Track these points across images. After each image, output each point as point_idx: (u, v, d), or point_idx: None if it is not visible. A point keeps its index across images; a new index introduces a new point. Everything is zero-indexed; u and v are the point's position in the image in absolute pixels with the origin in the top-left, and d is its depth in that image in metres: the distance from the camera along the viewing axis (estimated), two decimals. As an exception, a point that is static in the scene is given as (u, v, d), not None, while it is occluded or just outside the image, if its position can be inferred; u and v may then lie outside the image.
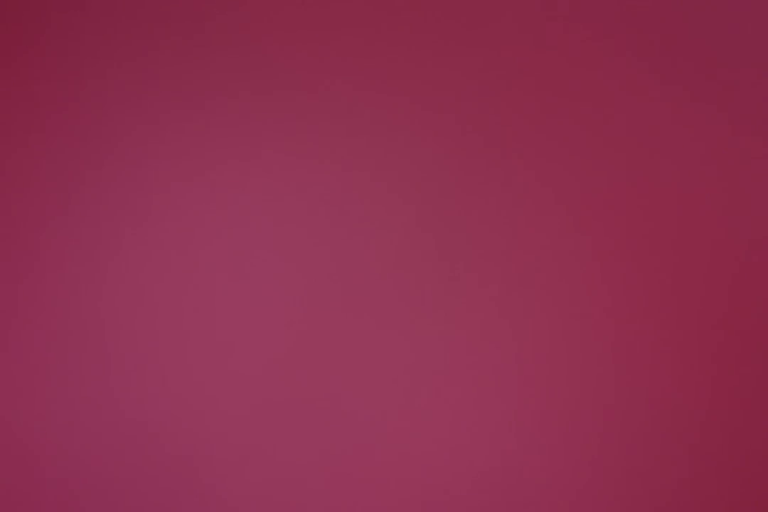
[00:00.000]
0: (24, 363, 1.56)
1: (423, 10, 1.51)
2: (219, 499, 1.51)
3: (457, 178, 1.49)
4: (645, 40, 1.46)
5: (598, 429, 1.43)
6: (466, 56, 1.50)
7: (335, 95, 1.52)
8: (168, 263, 1.54)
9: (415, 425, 1.47)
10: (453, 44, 1.50)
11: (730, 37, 1.44)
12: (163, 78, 1.56)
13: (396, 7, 1.52)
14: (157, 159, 1.56)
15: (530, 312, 1.46)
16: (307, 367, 1.50)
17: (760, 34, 1.44)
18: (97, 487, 1.53)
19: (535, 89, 1.48)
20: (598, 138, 1.46)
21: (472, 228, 1.48)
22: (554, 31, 1.48)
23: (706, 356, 1.42)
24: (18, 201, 1.58)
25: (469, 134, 1.49)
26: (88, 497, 1.53)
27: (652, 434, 1.42)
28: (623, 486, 1.43)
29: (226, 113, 1.54)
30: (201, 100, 1.55)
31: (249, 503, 1.50)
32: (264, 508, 1.49)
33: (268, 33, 1.55)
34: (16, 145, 1.59)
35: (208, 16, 1.56)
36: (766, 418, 1.40)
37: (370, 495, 1.47)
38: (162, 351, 1.53)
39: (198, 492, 1.51)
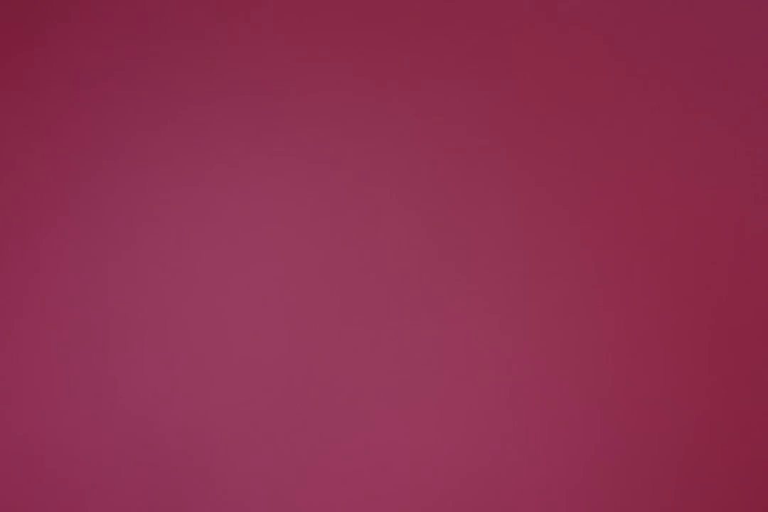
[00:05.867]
0: (29, 363, 1.56)
1: (427, 12, 1.52)
2: (223, 497, 1.51)
3: (457, 180, 1.49)
4: (642, 40, 1.46)
5: (594, 430, 1.44)
6: (468, 58, 1.50)
7: (338, 98, 1.52)
8: (170, 263, 1.54)
9: (416, 424, 1.47)
10: (458, 48, 1.50)
11: (727, 37, 1.45)
12: (164, 81, 1.56)
13: (398, 9, 1.52)
14: (159, 160, 1.56)
15: (529, 314, 1.46)
16: (309, 367, 1.50)
17: (757, 34, 1.44)
18: (101, 485, 1.53)
19: (536, 93, 1.48)
20: (599, 141, 1.46)
21: (472, 230, 1.48)
22: (555, 33, 1.48)
23: (704, 357, 1.42)
24: (21, 202, 1.58)
25: (471, 137, 1.49)
26: (92, 495, 1.53)
27: (650, 431, 1.43)
28: (620, 483, 1.43)
29: (229, 116, 1.54)
30: (203, 102, 1.55)
31: (252, 500, 1.50)
32: (267, 505, 1.50)
33: (270, 36, 1.54)
34: (20, 146, 1.59)
35: (210, 18, 1.56)
36: (765, 416, 1.40)
37: (370, 493, 1.48)
38: (165, 349, 1.53)
39: (202, 489, 1.51)
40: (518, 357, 1.45)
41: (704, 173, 1.44)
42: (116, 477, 1.53)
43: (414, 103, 1.50)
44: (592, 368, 1.44)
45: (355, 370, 1.49)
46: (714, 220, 1.43)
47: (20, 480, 1.55)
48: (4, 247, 1.58)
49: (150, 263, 1.54)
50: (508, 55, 1.49)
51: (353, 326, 1.49)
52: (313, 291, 1.51)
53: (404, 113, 1.51)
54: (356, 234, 1.50)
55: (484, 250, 1.47)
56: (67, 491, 1.54)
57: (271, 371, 1.51)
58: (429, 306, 1.48)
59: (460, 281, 1.47)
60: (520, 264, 1.46)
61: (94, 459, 1.53)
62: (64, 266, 1.56)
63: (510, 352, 1.45)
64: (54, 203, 1.57)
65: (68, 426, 1.54)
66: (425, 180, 1.49)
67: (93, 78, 1.58)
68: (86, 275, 1.56)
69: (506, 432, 1.45)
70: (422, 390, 1.47)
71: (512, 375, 1.45)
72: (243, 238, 1.53)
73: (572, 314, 1.44)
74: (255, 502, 1.50)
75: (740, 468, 1.41)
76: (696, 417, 1.42)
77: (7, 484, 1.55)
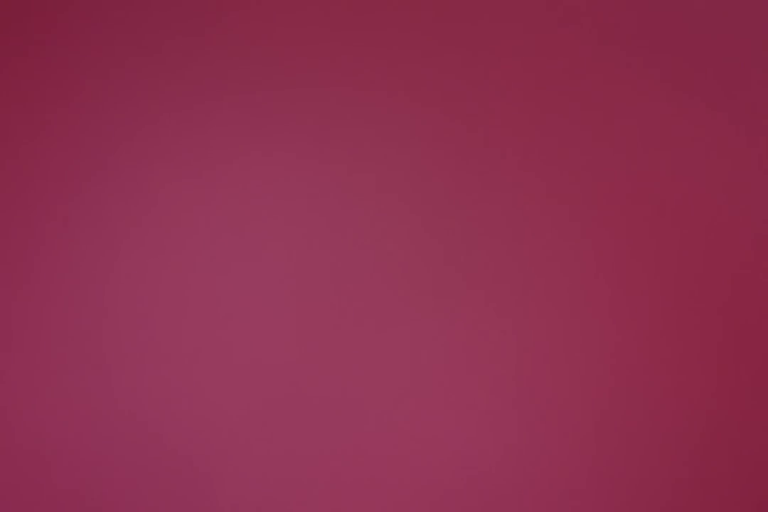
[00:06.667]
0: (26, 363, 1.56)
1: (428, 9, 1.52)
2: (220, 498, 1.51)
3: (460, 179, 1.49)
4: (643, 39, 1.46)
5: (600, 431, 1.44)
6: (471, 56, 1.50)
7: (339, 96, 1.52)
8: (170, 263, 1.54)
9: (420, 426, 1.47)
10: (460, 47, 1.50)
11: (729, 35, 1.45)
12: (164, 79, 1.56)
13: (398, 6, 1.52)
14: (159, 158, 1.56)
15: (534, 315, 1.46)
16: (309, 367, 1.50)
17: (759, 34, 1.44)
18: (97, 485, 1.53)
19: (540, 93, 1.48)
20: (603, 143, 1.47)
21: (474, 231, 1.48)
22: (555, 32, 1.48)
23: (705, 357, 1.43)
24: (20, 201, 1.58)
25: (474, 136, 1.49)
26: (91, 496, 1.53)
27: (656, 432, 1.43)
28: (621, 482, 1.43)
29: (229, 114, 1.54)
30: (202, 101, 1.55)
31: (250, 501, 1.50)
32: (265, 507, 1.50)
33: (268, 35, 1.55)
34: (19, 146, 1.59)
35: (209, 17, 1.56)
36: (766, 416, 1.41)
37: (373, 495, 1.48)
38: (163, 350, 1.53)
39: (199, 490, 1.51)
40: (523, 358, 1.45)
41: (706, 172, 1.44)
42: (115, 478, 1.53)
43: (416, 101, 1.50)
44: (597, 370, 1.44)
45: (356, 371, 1.49)
46: (717, 219, 1.43)
47: (19, 481, 1.55)
48: (4, 246, 1.58)
49: (149, 262, 1.54)
50: (512, 54, 1.49)
51: (355, 327, 1.49)
52: (314, 291, 1.51)
53: (406, 111, 1.51)
54: (358, 233, 1.50)
55: (487, 250, 1.47)
56: (66, 491, 1.54)
57: (272, 372, 1.51)
58: (432, 306, 1.48)
59: (464, 281, 1.47)
60: (524, 266, 1.46)
61: (92, 460, 1.53)
62: (62, 264, 1.56)
63: (515, 354, 1.46)
64: (53, 201, 1.57)
65: (67, 426, 1.54)
66: (427, 178, 1.49)
67: (92, 76, 1.58)
68: (85, 275, 1.55)
69: (511, 433, 1.45)
70: (425, 392, 1.47)
71: (518, 377, 1.46)
72: (244, 237, 1.53)
73: (577, 315, 1.45)
74: (255, 504, 1.50)
75: (747, 469, 1.41)
76: (702, 418, 1.42)
77: (6, 485, 1.55)
